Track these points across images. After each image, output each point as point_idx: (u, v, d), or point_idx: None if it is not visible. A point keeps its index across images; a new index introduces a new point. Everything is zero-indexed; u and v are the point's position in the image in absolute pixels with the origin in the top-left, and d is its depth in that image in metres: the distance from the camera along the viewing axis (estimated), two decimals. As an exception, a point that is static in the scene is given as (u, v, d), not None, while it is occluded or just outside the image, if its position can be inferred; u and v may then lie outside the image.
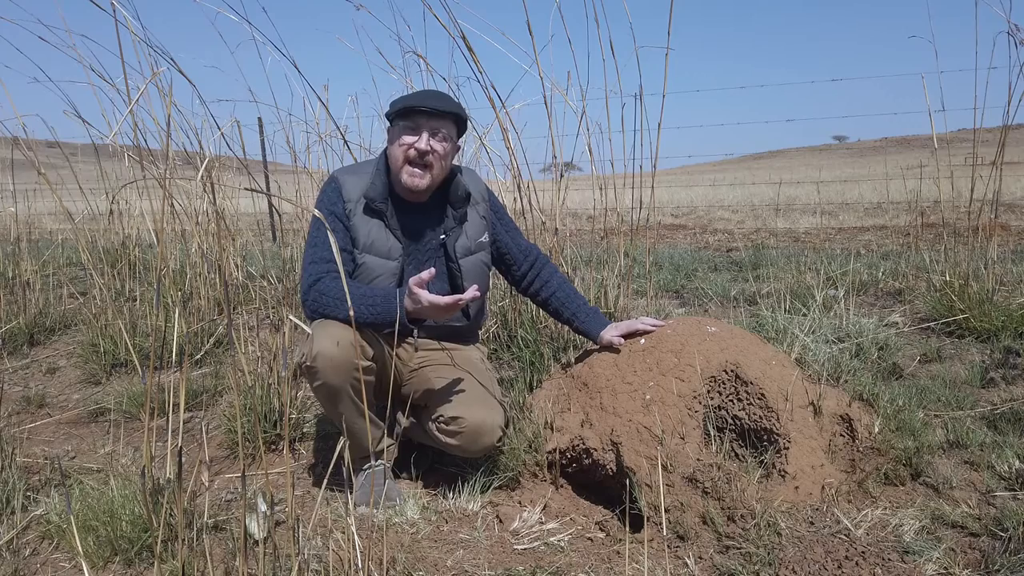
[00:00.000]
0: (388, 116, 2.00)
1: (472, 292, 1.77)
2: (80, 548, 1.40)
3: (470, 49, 2.68)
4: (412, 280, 1.78)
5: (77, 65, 3.19)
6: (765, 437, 1.91)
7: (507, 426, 2.02)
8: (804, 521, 1.73)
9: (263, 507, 1.72)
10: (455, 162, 2.11)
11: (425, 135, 1.92)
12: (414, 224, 2.04)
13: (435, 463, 2.25)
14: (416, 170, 1.94)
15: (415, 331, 2.09)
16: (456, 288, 2.05)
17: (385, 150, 2.05)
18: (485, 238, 2.13)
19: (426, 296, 1.77)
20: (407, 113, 1.92)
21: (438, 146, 1.93)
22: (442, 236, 2.05)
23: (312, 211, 1.48)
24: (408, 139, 1.93)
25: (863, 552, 1.57)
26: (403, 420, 2.16)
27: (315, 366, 1.80)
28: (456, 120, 1.99)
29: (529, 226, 2.96)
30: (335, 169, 2.13)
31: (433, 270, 1.78)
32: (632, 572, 1.66)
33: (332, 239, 1.23)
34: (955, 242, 3.44)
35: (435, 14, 2.67)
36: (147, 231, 4.16)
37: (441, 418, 1.93)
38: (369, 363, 1.87)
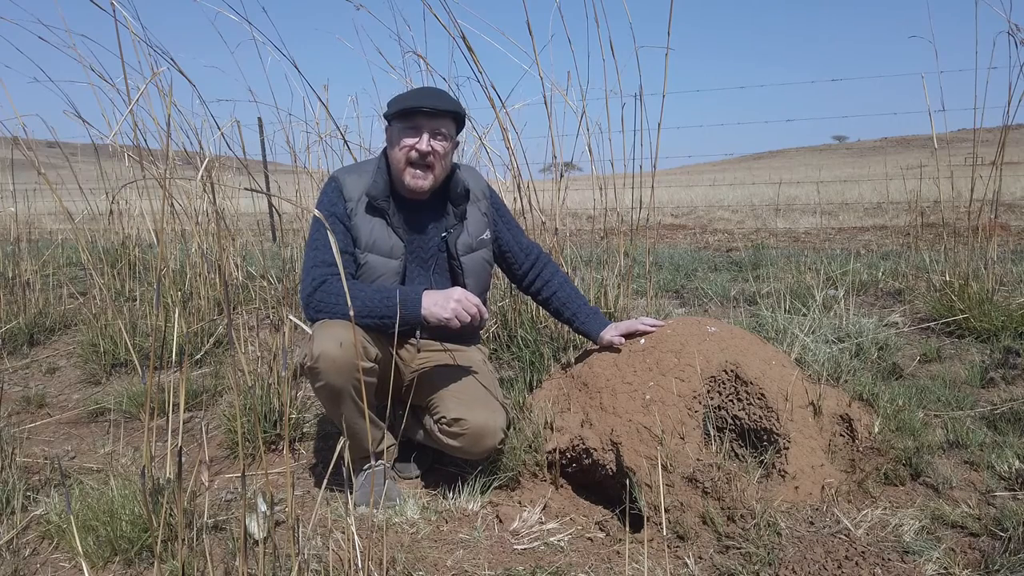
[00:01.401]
0: (386, 116, 2.00)
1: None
2: (80, 548, 1.40)
3: (470, 49, 2.68)
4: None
5: (77, 65, 3.20)
6: (765, 437, 1.91)
7: (509, 428, 2.03)
8: (804, 521, 1.73)
9: (263, 507, 1.72)
10: (454, 159, 2.11)
11: (426, 136, 1.92)
12: (415, 222, 2.04)
13: (435, 463, 2.26)
14: (418, 171, 1.95)
15: (418, 332, 2.09)
16: (458, 285, 2.05)
17: (385, 149, 2.05)
18: (487, 235, 2.13)
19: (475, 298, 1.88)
20: (407, 114, 1.92)
21: (438, 146, 1.93)
22: (443, 234, 2.06)
23: (313, 211, 1.47)
24: (409, 141, 1.93)
25: (863, 552, 1.57)
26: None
27: (317, 367, 1.80)
28: (455, 118, 1.99)
29: (529, 226, 2.96)
30: (335, 169, 2.13)
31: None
32: (632, 572, 1.66)
33: (333, 240, 1.22)
34: (955, 242, 3.44)
35: (435, 14, 2.67)
36: (147, 231, 4.16)
37: (443, 419, 1.93)
38: (371, 364, 1.87)
